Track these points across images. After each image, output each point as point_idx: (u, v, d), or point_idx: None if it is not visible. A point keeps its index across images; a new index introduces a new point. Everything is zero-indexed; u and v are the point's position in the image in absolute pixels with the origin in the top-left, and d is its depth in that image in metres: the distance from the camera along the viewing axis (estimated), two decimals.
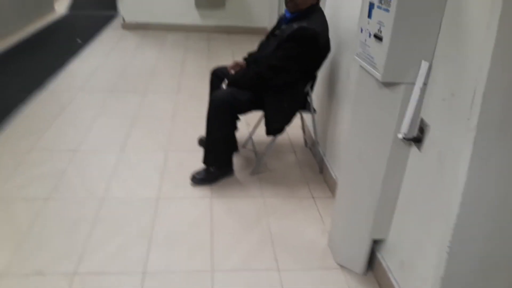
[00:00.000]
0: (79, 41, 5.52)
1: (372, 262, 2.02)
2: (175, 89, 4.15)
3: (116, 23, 6.48)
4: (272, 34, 2.69)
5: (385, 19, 1.59)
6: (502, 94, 1.31)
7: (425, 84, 1.63)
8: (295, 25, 2.41)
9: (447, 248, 1.47)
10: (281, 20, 2.67)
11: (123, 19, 6.18)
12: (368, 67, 1.74)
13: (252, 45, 5.50)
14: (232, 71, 2.78)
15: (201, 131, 3.14)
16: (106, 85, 4.15)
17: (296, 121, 2.65)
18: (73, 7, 7.65)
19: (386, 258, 1.94)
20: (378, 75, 1.66)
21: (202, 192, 2.57)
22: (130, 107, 3.69)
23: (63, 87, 4.07)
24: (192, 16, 6.24)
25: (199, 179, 2.64)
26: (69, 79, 4.29)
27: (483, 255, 1.50)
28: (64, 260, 2.00)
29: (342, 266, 2.05)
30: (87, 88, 4.07)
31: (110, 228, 2.23)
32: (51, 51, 5.20)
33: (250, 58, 2.86)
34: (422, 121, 1.66)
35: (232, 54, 5.33)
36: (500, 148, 1.37)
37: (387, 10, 1.57)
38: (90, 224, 2.24)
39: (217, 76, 2.88)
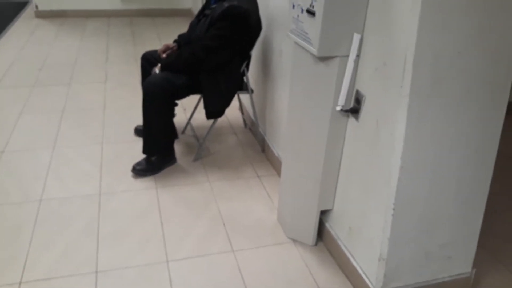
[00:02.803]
0: None
1: (321, 232, 2.09)
2: (103, 78, 3.96)
3: (28, 12, 6.02)
4: (202, 14, 2.63)
5: None
6: (430, 60, 1.39)
7: (358, 56, 1.69)
8: (226, 4, 2.38)
9: (391, 210, 1.56)
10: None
11: (36, 7, 5.76)
12: (303, 43, 1.77)
13: (178, 27, 5.40)
14: (164, 55, 2.70)
15: (136, 120, 3.05)
16: (26, 79, 3.88)
17: (233, 102, 2.64)
18: None
19: (334, 226, 2.02)
20: (313, 50, 1.69)
21: (146, 183, 2.51)
22: (57, 101, 3.48)
23: None
24: (111, 1, 5.95)
25: (140, 170, 2.56)
26: None
27: (424, 213, 1.62)
28: (7, 270, 1.88)
29: (293, 240, 2.11)
30: (4, 84, 3.77)
31: (52, 230, 2.12)
32: None
33: (181, 40, 2.80)
34: (357, 92, 1.73)
35: (159, 38, 5.17)
36: (431, 111, 1.46)
37: None
38: (31, 228, 2.12)
39: (148, 61, 2.79)
